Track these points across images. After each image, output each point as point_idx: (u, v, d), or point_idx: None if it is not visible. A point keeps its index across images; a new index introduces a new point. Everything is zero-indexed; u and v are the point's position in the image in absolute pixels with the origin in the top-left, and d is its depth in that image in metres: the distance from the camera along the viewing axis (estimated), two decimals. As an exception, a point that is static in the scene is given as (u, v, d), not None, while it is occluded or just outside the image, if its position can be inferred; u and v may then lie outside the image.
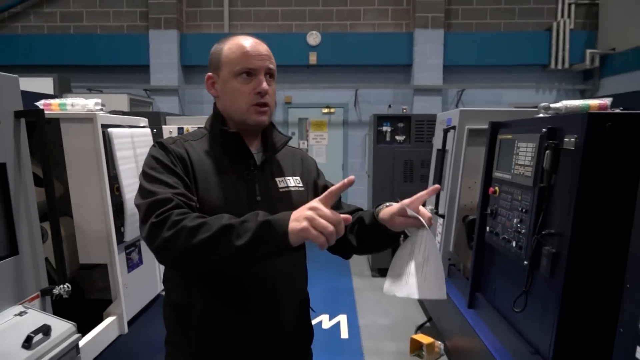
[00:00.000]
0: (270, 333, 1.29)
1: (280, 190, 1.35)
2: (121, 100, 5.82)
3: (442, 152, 3.45)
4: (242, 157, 1.31)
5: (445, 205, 3.31)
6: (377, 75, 7.43)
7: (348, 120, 7.59)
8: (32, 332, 1.34)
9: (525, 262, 1.98)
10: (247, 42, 1.29)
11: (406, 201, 1.18)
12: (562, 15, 7.16)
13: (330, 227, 0.98)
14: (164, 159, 1.23)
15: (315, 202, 1.03)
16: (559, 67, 7.11)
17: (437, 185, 1.26)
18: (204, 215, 1.10)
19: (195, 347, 1.26)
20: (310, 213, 1.00)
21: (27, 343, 1.32)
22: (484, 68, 7.33)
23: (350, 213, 1.32)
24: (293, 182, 1.39)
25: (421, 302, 4.33)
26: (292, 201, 1.34)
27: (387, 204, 1.27)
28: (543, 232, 1.88)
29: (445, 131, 3.35)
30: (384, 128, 5.23)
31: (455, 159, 3.21)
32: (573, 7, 7.15)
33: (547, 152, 1.86)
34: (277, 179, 1.36)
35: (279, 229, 1.01)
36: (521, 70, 7.32)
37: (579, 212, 1.70)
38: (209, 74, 1.34)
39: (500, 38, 7.24)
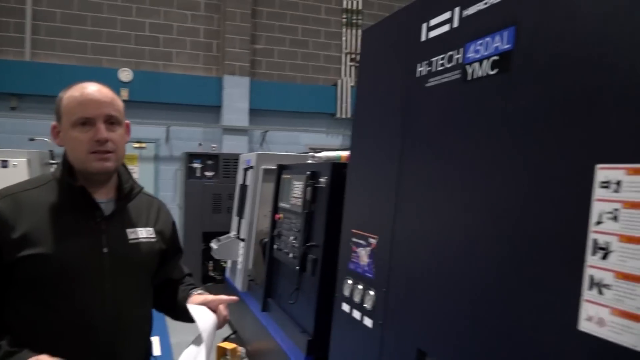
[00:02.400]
0: None
1: (130, 241, 1.33)
2: None
3: (243, 187, 4.16)
4: (87, 208, 1.28)
5: (245, 231, 4.00)
6: (189, 114, 7.93)
7: (159, 155, 7.87)
8: None
9: (297, 267, 2.75)
10: (85, 90, 1.26)
11: (209, 297, 1.38)
12: (345, 74, 8.74)
13: None
14: None
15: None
16: (344, 116, 8.60)
17: (235, 297, 1.46)
18: None
19: None
20: None
21: None
22: (284, 113, 8.43)
23: (181, 279, 1.54)
24: (145, 233, 1.37)
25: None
26: (141, 253, 1.35)
27: (199, 290, 1.46)
28: (308, 245, 2.67)
29: (245, 170, 4.08)
30: (195, 164, 5.76)
31: (253, 193, 3.94)
32: (353, 68, 8.79)
33: (309, 188, 2.68)
34: (127, 230, 1.34)
35: None
36: (315, 117, 8.62)
37: (327, 229, 2.52)
38: (54, 123, 1.31)
39: (297, 88, 8.45)
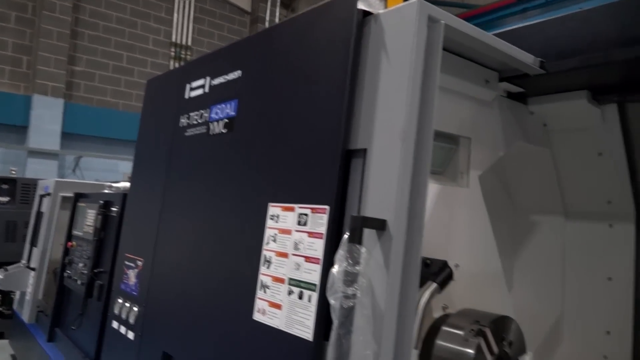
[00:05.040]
0: None
1: None
2: None
3: (39, 214, 4.03)
4: None
5: (37, 260, 3.86)
6: (-13, 133, 7.22)
7: (-55, 176, 6.95)
8: None
9: (83, 293, 2.83)
10: None
11: None
12: (171, 106, 8.85)
13: None
14: None
15: None
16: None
17: None
18: None
19: None
20: None
21: None
22: (103, 139, 8.16)
23: None
24: None
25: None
26: None
27: None
28: (96, 271, 2.79)
29: (42, 196, 3.97)
30: (-14, 189, 5.29)
31: (49, 220, 3.85)
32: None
33: (99, 216, 2.82)
34: None
35: None
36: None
37: (115, 255, 2.68)
38: None
39: (118, 115, 8.28)
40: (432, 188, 1.52)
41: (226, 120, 1.67)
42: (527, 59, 1.52)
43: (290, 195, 1.34)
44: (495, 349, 1.36)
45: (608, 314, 1.82)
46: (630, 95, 1.69)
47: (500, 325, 1.40)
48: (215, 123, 1.73)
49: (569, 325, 1.90)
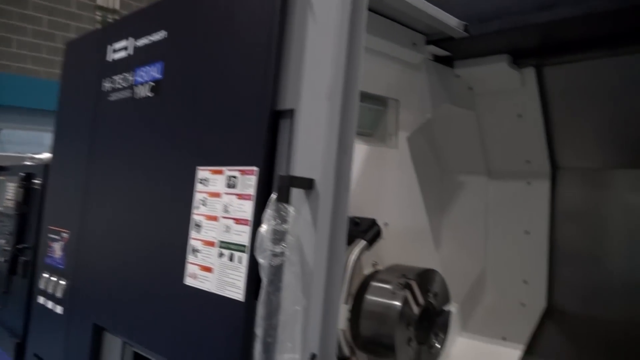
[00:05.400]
0: None
1: None
2: None
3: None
4: None
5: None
6: None
7: None
8: None
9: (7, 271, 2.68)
10: None
11: None
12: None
13: None
14: None
15: None
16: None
17: None
18: None
19: None
20: None
21: None
22: (26, 110, 7.62)
23: None
24: None
25: None
26: None
27: None
28: (19, 247, 2.64)
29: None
30: None
31: (-35, 196, 3.59)
32: (108, 69, 8.48)
33: (21, 189, 2.66)
34: None
35: None
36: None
37: (39, 230, 2.55)
38: None
39: (41, 84, 7.73)
40: (362, 149, 1.55)
41: (152, 83, 1.61)
42: (452, 22, 1.56)
43: (219, 158, 1.32)
44: (421, 300, 1.43)
45: (525, 265, 1.96)
46: (547, 59, 1.78)
47: (425, 278, 1.47)
48: (141, 86, 1.65)
49: (490, 277, 2.03)
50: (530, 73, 1.82)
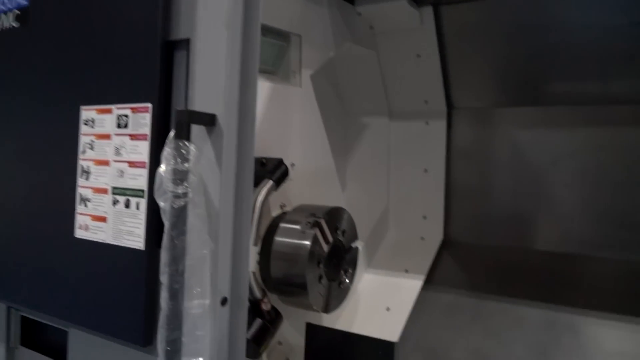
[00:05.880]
0: None
1: None
2: None
3: None
4: None
5: None
6: None
7: None
8: None
9: None
10: None
11: None
12: None
13: None
14: None
15: None
16: None
17: None
18: None
19: None
20: None
21: None
22: None
23: None
24: None
25: None
26: None
27: None
28: None
29: None
30: None
31: None
32: None
33: None
34: None
35: None
36: None
37: None
38: None
39: None
40: (265, 87, 1.48)
41: (17, 11, 1.38)
42: (353, -45, 1.51)
43: (106, 96, 1.18)
44: (330, 238, 1.44)
45: (424, 201, 2.06)
46: (444, -2, 1.81)
47: (333, 215, 1.48)
48: (4, 15, 1.41)
49: (392, 214, 2.11)
50: (428, 12, 1.84)
